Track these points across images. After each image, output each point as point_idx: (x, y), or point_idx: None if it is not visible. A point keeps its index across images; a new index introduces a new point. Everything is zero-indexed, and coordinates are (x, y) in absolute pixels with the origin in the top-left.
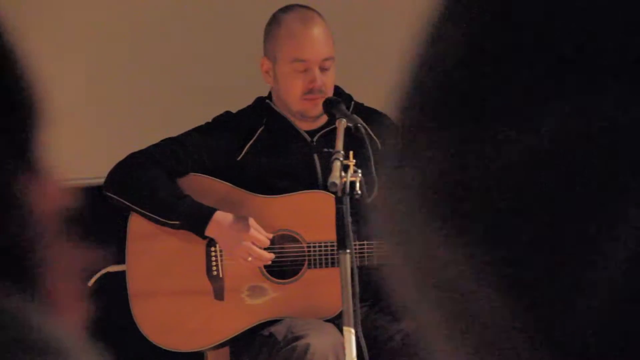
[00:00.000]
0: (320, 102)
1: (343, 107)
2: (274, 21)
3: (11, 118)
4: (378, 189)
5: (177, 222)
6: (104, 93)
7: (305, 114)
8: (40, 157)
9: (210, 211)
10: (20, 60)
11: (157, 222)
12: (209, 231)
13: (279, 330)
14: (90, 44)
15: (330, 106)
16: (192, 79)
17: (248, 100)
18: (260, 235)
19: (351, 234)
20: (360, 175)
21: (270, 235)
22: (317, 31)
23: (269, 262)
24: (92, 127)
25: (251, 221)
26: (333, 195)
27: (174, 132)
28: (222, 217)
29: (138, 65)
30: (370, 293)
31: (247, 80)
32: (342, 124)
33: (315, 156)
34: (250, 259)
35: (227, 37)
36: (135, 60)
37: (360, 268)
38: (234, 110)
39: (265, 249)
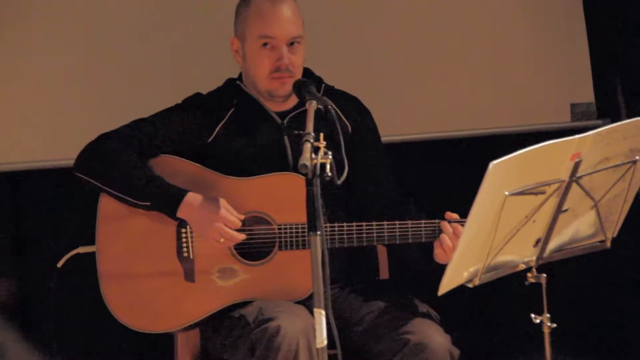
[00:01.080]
0: (288, 81)
1: (313, 88)
2: (244, 1)
3: None
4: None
5: (148, 204)
6: (74, 72)
7: (273, 93)
8: None
9: (182, 193)
10: None
11: (127, 203)
12: (181, 213)
13: (249, 312)
14: (49, 27)
15: (300, 88)
16: (150, 61)
17: (215, 84)
18: (232, 216)
19: (322, 216)
20: (330, 157)
21: (242, 217)
22: (286, 9)
23: (239, 242)
24: (62, 110)
25: (222, 202)
26: (303, 177)
27: (138, 115)
28: (193, 199)
29: (100, 46)
30: (341, 275)
31: (216, 63)
32: (312, 106)
33: (286, 138)
34: (222, 240)
35: (191, 18)
36: (98, 42)
37: (330, 250)
38: (204, 92)
39: (236, 230)
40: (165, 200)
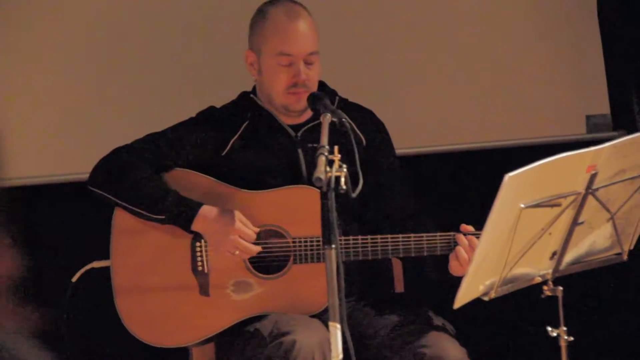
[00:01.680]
0: (304, 96)
1: (328, 101)
2: (260, 14)
3: None
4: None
5: (162, 217)
6: (88, 87)
7: (289, 107)
8: None
9: (196, 205)
10: None
11: (142, 216)
12: (195, 226)
13: (264, 326)
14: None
15: (314, 101)
16: (164, 75)
17: (229, 97)
18: (247, 228)
19: (336, 229)
20: (345, 170)
21: (257, 229)
22: (303, 25)
23: (254, 255)
24: (75, 123)
25: (237, 214)
26: (318, 190)
27: (152, 129)
28: (208, 211)
29: (114, 61)
30: (356, 288)
31: (227, 77)
32: (326, 119)
33: (300, 151)
34: (237, 252)
35: (202, 30)
36: (110, 56)
37: (345, 263)
38: (217, 105)
39: (251, 243)
40: (179, 213)
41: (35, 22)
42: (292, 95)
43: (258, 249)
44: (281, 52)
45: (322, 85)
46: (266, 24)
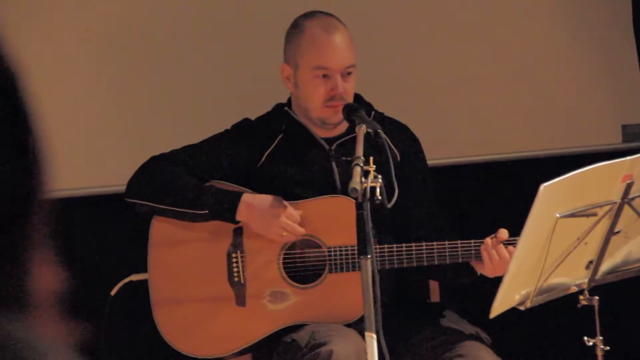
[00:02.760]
0: (341, 109)
1: (363, 113)
2: (296, 27)
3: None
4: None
5: (205, 212)
6: (118, 102)
7: (326, 121)
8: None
9: (238, 195)
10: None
11: (184, 216)
12: (240, 215)
13: (301, 336)
14: (94, 51)
15: (350, 112)
16: (201, 86)
17: (263, 108)
18: (292, 209)
19: (372, 240)
20: (380, 180)
21: (300, 211)
22: (340, 39)
23: (300, 237)
24: (111, 135)
25: (279, 198)
26: (352, 200)
27: (187, 141)
28: (250, 199)
29: (148, 74)
30: (392, 297)
31: (258, 87)
32: (362, 130)
33: (334, 164)
34: (285, 233)
35: (237, 42)
36: (144, 68)
37: (380, 272)
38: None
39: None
40: (222, 205)
41: (70, 32)
42: (330, 108)
43: (303, 230)
44: (319, 66)
45: (357, 98)
46: (303, 37)
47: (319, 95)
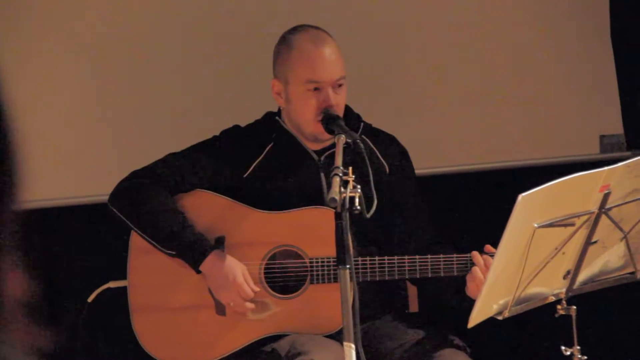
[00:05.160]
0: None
1: (342, 122)
2: (284, 43)
3: None
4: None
5: (173, 253)
6: (100, 108)
7: (318, 137)
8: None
9: (208, 249)
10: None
11: (154, 246)
12: (203, 267)
13: (281, 346)
14: (77, 61)
15: (328, 122)
16: (183, 96)
17: (253, 114)
18: (247, 287)
19: (351, 250)
20: (359, 190)
21: (257, 289)
22: (329, 51)
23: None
24: (92, 146)
25: (243, 270)
26: (334, 211)
27: (169, 150)
28: (217, 258)
29: (130, 82)
30: (371, 308)
31: (247, 94)
32: (341, 140)
33: (323, 175)
34: (232, 304)
35: (224, 51)
36: (126, 77)
37: (360, 284)
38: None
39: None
40: (190, 254)
41: (52, 42)
42: (322, 124)
43: (251, 307)
44: (309, 79)
45: (347, 109)
46: (292, 52)
47: (311, 108)
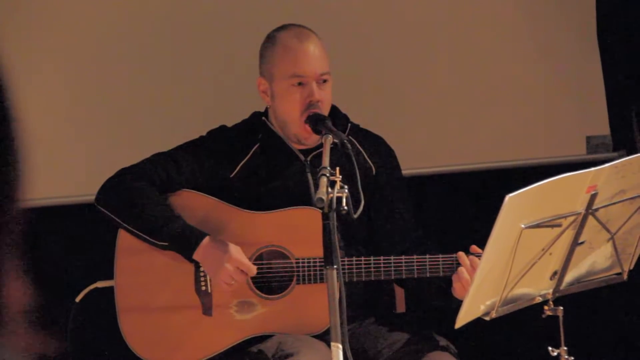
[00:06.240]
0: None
1: (329, 123)
2: (269, 40)
3: None
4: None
5: (165, 244)
6: (89, 110)
7: (302, 140)
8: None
9: (200, 236)
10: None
11: (146, 241)
12: (197, 255)
13: (268, 347)
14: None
15: (316, 122)
16: (170, 97)
17: (240, 114)
18: (247, 260)
19: (338, 250)
20: (346, 191)
21: (254, 269)
22: (313, 47)
23: (254, 276)
24: (81, 146)
25: (238, 249)
26: (320, 211)
27: (162, 148)
28: (210, 243)
29: (118, 83)
30: (358, 309)
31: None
32: (328, 140)
33: (309, 175)
34: (233, 282)
35: (212, 52)
36: (114, 78)
37: (347, 284)
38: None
39: (255, 268)
40: (182, 243)
41: (41, 42)
42: (307, 126)
43: (253, 272)
44: (294, 74)
45: (334, 109)
46: (276, 48)
47: (296, 103)
